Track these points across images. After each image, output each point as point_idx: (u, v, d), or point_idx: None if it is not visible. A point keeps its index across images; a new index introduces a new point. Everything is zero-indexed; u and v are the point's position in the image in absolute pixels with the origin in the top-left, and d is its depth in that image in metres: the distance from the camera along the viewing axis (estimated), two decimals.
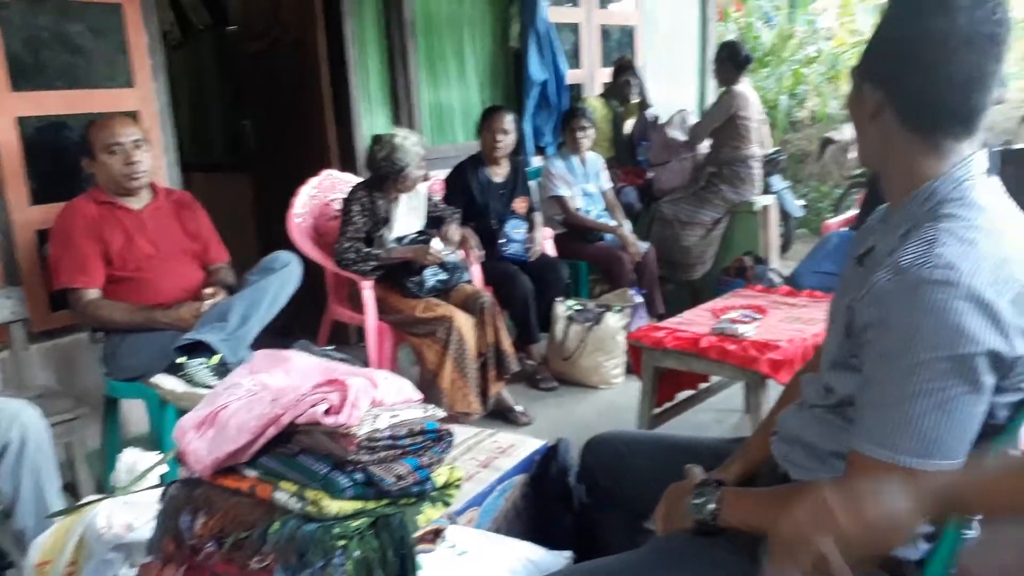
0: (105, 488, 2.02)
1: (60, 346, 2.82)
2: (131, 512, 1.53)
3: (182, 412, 2.34)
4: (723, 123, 4.35)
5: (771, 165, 4.89)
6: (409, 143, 3.12)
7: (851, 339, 1.09)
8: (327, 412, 1.07)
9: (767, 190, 4.70)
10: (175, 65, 5.22)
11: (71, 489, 2.32)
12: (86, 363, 2.80)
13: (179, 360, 2.27)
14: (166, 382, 2.23)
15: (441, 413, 1.20)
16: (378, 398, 1.12)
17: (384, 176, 3.13)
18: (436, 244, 3.14)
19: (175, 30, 5.12)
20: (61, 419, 2.27)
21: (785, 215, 5.43)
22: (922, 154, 1.07)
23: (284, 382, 1.18)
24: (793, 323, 2.65)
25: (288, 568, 1.03)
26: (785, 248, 5.59)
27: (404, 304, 3.07)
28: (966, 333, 0.94)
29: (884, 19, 1.07)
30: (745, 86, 4.40)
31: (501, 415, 3.19)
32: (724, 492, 1.18)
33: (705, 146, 4.57)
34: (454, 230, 3.26)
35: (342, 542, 1.04)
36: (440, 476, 1.20)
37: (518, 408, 3.20)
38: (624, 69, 4.81)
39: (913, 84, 1.03)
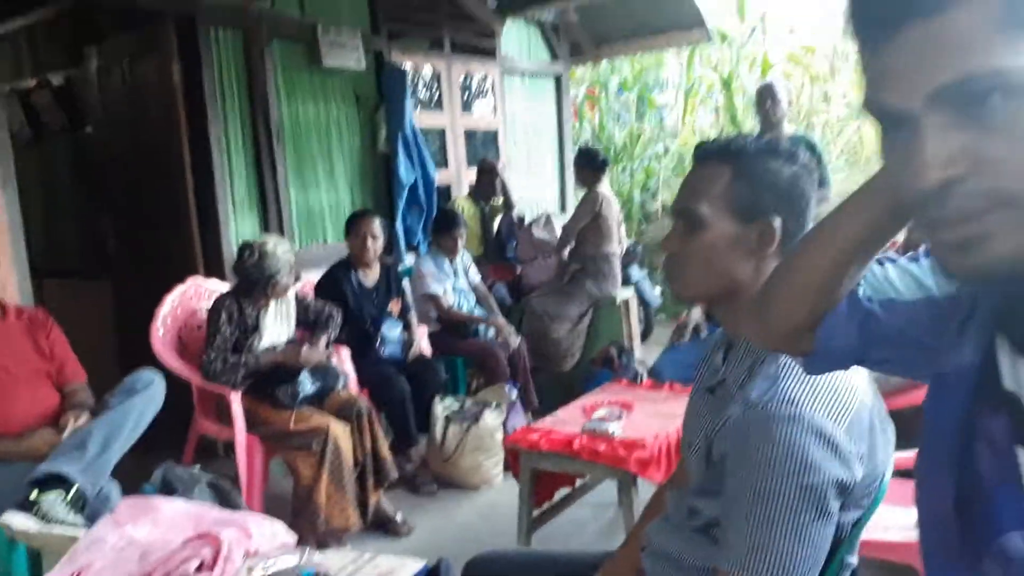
0: None
1: None
2: None
3: (35, 550, 2.17)
4: (588, 223, 4.61)
5: (629, 257, 5.21)
6: (280, 250, 3.11)
7: (712, 468, 1.19)
8: (200, 568, 1.06)
9: (627, 281, 4.98)
10: (26, 166, 5.00)
11: None
12: None
13: (32, 495, 2.12)
14: (16, 520, 2.07)
15: (318, 558, 1.20)
16: (252, 548, 1.12)
17: (253, 283, 3.10)
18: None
19: (25, 131, 4.92)
20: None
21: (645, 304, 5.75)
22: None
23: (152, 535, 1.15)
24: (657, 418, 2.80)
25: None
26: (647, 334, 5.89)
27: (275, 416, 3.00)
28: (812, 464, 1.04)
29: (759, 166, 1.19)
30: (605, 187, 4.70)
31: (381, 526, 3.12)
32: None
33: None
34: (322, 341, 3.24)
35: None
36: None
37: (398, 518, 3.14)
38: (487, 171, 5.02)
39: (797, 213, 1.19)
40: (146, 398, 2.43)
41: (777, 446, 1.05)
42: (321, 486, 2.86)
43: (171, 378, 3.05)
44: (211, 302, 3.15)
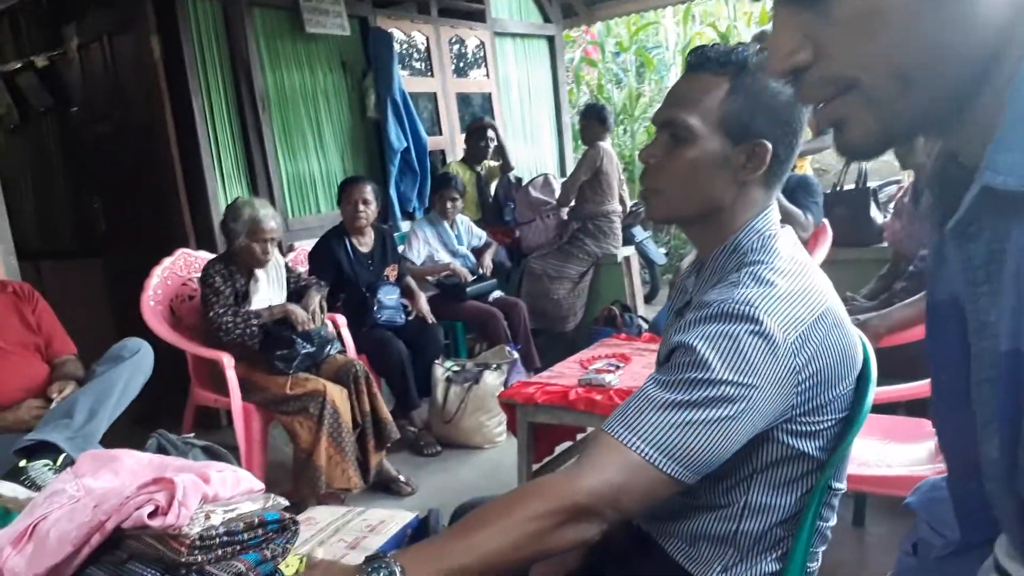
0: None
1: None
2: None
3: None
4: (590, 180, 4.52)
5: (632, 217, 5.12)
6: (247, 210, 3.02)
7: None
8: (154, 514, 1.02)
9: (629, 241, 4.91)
10: (16, 149, 4.98)
11: None
12: None
13: (20, 464, 2.10)
14: (5, 488, 2.05)
15: (284, 502, 1.16)
16: (210, 493, 1.08)
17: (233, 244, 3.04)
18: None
19: (13, 113, 4.87)
20: None
21: (649, 263, 5.68)
22: (751, 206, 1.14)
23: (110, 484, 1.12)
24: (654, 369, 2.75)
25: None
26: (652, 295, 5.82)
27: (270, 382, 2.97)
28: (752, 366, 0.97)
29: (758, 83, 1.11)
30: (607, 143, 4.61)
31: (384, 486, 3.12)
32: (398, 555, 0.92)
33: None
34: (313, 298, 3.19)
35: None
36: (289, 567, 1.15)
37: (401, 478, 3.14)
38: (477, 131, 4.93)
39: (789, 139, 1.12)
40: (133, 366, 2.40)
41: (719, 339, 0.99)
42: (320, 448, 2.83)
43: (167, 349, 3.03)
44: (200, 272, 3.11)
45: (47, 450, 2.16)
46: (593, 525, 0.95)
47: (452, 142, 5.25)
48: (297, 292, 3.25)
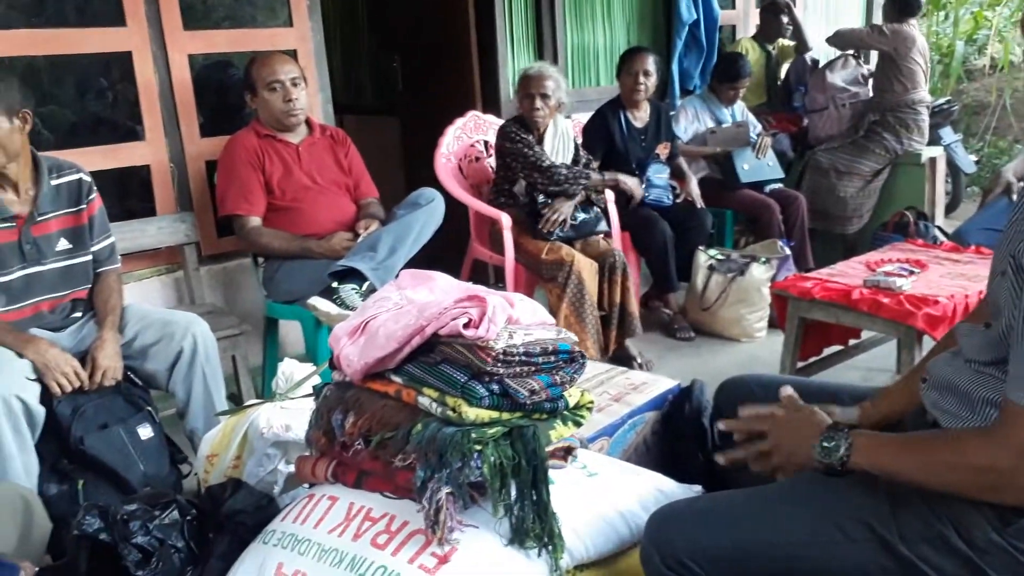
0: (265, 400, 2.20)
1: (226, 269, 3.06)
2: (288, 415, 1.67)
3: None
4: (888, 65, 4.04)
5: (942, 116, 4.51)
6: (533, 68, 3.14)
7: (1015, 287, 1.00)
8: (467, 325, 1.11)
9: (935, 143, 4.34)
10: (327, 7, 5.43)
11: (235, 399, 2.54)
12: (249, 286, 3.02)
13: (332, 285, 2.42)
14: (321, 304, 2.38)
15: (574, 337, 1.22)
16: (514, 316, 1.16)
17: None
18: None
19: None
20: (226, 334, 2.47)
21: (955, 170, 5.01)
22: None
23: (428, 298, 1.24)
24: (955, 279, 2.47)
25: (428, 467, 1.10)
26: (953, 207, 5.16)
27: (532, 245, 3.07)
28: None
29: None
30: (913, 27, 4.06)
31: (621, 363, 3.16)
32: (856, 437, 1.13)
33: (868, 90, 4.28)
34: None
35: (479, 447, 1.10)
36: (572, 397, 1.22)
37: (639, 360, 3.12)
38: (772, 6, 4.52)
39: None
40: (428, 211, 2.62)
41: None
42: (560, 313, 2.90)
43: (451, 206, 3.26)
44: (487, 135, 3.26)
45: (354, 276, 2.45)
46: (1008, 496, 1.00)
47: (745, 17, 4.89)
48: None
